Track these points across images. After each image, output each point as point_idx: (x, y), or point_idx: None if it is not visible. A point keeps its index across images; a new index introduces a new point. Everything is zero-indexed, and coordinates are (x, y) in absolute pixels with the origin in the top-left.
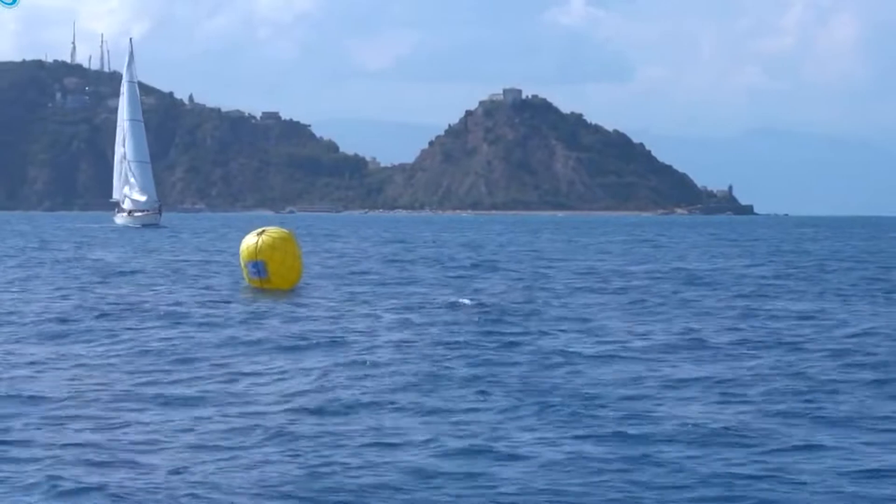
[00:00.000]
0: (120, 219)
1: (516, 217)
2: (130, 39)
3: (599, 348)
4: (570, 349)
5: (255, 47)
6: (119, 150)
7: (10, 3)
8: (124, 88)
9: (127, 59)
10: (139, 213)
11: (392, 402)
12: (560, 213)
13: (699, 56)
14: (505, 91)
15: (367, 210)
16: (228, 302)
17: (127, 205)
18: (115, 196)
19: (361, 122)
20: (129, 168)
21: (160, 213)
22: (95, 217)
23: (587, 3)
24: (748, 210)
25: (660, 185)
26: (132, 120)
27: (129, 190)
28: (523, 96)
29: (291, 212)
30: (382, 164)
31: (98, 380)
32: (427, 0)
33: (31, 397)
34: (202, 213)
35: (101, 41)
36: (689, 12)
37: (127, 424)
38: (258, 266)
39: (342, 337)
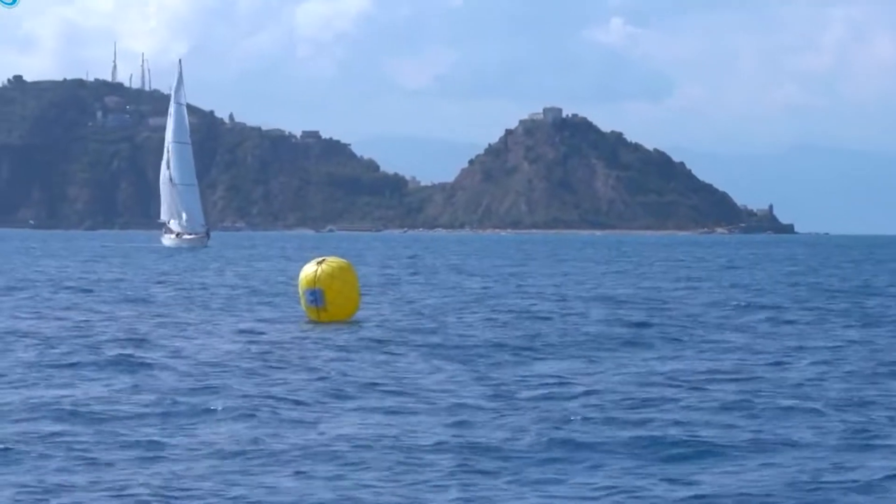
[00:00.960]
0: (168, 240)
1: (558, 236)
2: (180, 61)
3: None
4: None
5: (295, 66)
6: (165, 172)
7: (10, 3)
8: (172, 110)
9: (175, 81)
10: (187, 236)
11: None
12: (598, 232)
13: (738, 73)
14: (545, 110)
15: (406, 229)
16: None
17: (175, 227)
18: (163, 217)
19: (401, 141)
20: (177, 191)
21: (208, 236)
22: (146, 237)
23: (626, 21)
24: (789, 229)
25: (700, 204)
26: (179, 143)
27: (177, 213)
28: (563, 115)
29: (331, 230)
30: (422, 183)
31: None
32: (466, 19)
33: None
34: (242, 231)
35: (142, 60)
36: (728, 30)
37: None
38: (315, 294)
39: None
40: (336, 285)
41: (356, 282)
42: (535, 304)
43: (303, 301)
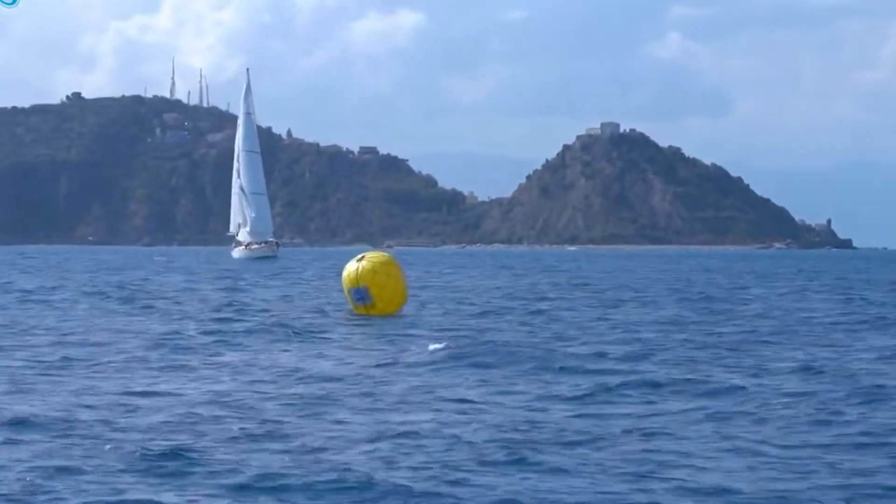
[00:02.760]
0: (237, 252)
1: (616, 251)
2: (248, 70)
3: None
4: None
5: (352, 82)
6: (236, 182)
7: (10, 3)
8: (241, 120)
9: (244, 90)
10: (256, 246)
11: None
12: (656, 247)
13: (796, 89)
14: (602, 125)
15: (464, 245)
16: None
17: (243, 237)
18: (231, 229)
19: (458, 157)
20: (245, 200)
21: (277, 245)
22: (216, 252)
23: (684, 36)
24: (847, 244)
25: (758, 219)
26: (249, 151)
27: (244, 221)
28: (621, 130)
29: (390, 246)
30: (480, 199)
31: None
32: (522, 35)
33: None
34: (300, 247)
35: (200, 76)
36: (786, 45)
37: None
38: (361, 292)
39: None
40: (379, 279)
41: (400, 274)
42: None
43: (349, 300)
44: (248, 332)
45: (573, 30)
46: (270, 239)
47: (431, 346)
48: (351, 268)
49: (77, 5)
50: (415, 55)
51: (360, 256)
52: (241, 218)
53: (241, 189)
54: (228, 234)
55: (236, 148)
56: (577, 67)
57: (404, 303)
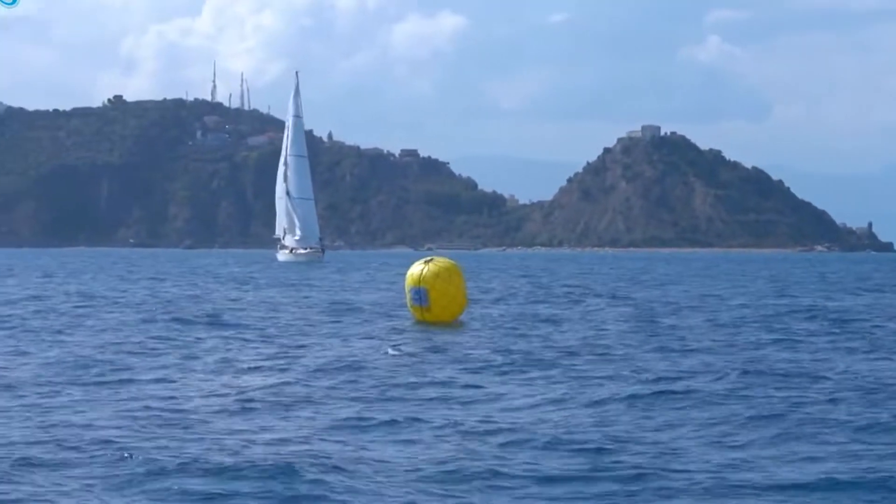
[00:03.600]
0: (283, 256)
1: (656, 254)
2: (296, 73)
3: None
4: None
5: (393, 85)
6: (281, 186)
7: (11, 3)
8: (289, 123)
9: (292, 93)
10: (302, 251)
11: None
12: (700, 250)
13: (837, 92)
14: (643, 128)
15: (505, 247)
16: None
17: (289, 242)
18: (277, 233)
19: (499, 160)
20: (292, 205)
21: (323, 251)
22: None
23: (723, 39)
24: (888, 247)
25: (799, 222)
26: (297, 156)
27: (291, 227)
28: (662, 133)
29: (430, 249)
30: (521, 202)
31: None
32: (562, 38)
33: None
34: (340, 250)
35: (241, 80)
36: (826, 49)
37: None
38: (420, 293)
39: None
40: (440, 285)
41: (461, 282)
42: None
43: (408, 299)
44: None
45: (613, 33)
46: (315, 245)
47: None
48: (416, 268)
49: (117, 8)
50: (455, 58)
51: (428, 258)
52: (287, 222)
53: (288, 193)
54: (273, 237)
55: (283, 151)
56: (617, 70)
57: (460, 313)
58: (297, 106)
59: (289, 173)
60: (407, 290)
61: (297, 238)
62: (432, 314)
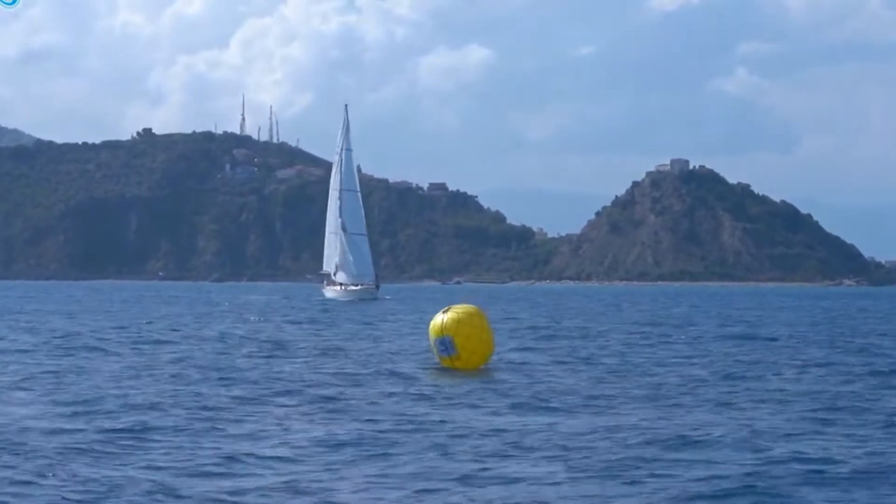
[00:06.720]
0: (330, 291)
1: (686, 287)
2: (346, 107)
3: None
4: None
5: (420, 118)
6: (332, 221)
7: (11, 3)
8: (342, 157)
9: (342, 127)
10: (354, 287)
11: None
12: (729, 284)
13: (866, 125)
14: (672, 161)
15: (533, 281)
16: None
17: (340, 278)
18: (325, 268)
19: (527, 193)
20: (349, 240)
21: (377, 287)
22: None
23: (750, 71)
24: None
25: (827, 256)
26: (349, 190)
27: (345, 263)
28: (690, 167)
29: (458, 282)
30: (549, 235)
31: None
32: (590, 71)
33: None
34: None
35: (270, 112)
36: (855, 81)
37: None
38: (445, 342)
39: None
40: (464, 330)
41: (486, 325)
42: None
43: (435, 352)
44: None
45: (641, 66)
46: (369, 282)
47: None
48: (437, 319)
49: (145, 41)
50: (483, 90)
51: (446, 308)
52: (341, 258)
53: (343, 229)
54: (320, 272)
55: (332, 185)
56: (645, 104)
57: (490, 354)
58: (348, 140)
59: (343, 208)
60: (432, 343)
61: (353, 274)
62: (462, 361)
